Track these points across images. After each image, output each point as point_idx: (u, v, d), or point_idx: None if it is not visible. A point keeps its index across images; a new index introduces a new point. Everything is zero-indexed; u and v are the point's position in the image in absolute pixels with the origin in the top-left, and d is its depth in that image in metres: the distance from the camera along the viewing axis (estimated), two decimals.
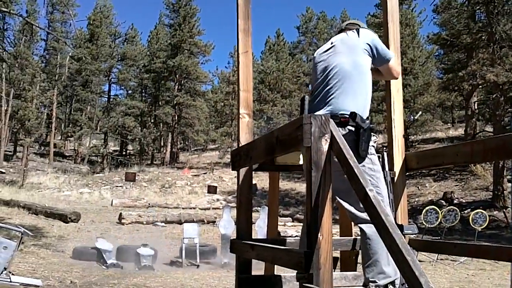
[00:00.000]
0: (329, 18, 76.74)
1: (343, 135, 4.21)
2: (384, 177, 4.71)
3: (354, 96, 4.56)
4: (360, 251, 5.18)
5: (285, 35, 76.43)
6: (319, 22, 75.58)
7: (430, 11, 40.15)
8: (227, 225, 17.00)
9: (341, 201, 4.37)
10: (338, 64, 4.64)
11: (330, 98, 4.56)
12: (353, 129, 4.38)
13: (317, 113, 4.36)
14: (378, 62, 4.83)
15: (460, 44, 36.92)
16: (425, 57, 49.64)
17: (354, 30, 4.82)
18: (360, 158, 4.33)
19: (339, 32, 5.08)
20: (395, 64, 5.02)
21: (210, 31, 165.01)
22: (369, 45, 4.70)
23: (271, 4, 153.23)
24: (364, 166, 4.37)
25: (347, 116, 4.40)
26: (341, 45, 4.76)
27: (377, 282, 4.18)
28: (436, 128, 50.97)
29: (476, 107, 42.70)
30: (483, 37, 33.98)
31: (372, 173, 4.46)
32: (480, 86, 36.36)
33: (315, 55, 5.01)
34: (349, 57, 4.65)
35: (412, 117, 46.44)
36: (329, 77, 4.64)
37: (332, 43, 4.87)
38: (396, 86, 5.60)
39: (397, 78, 5.23)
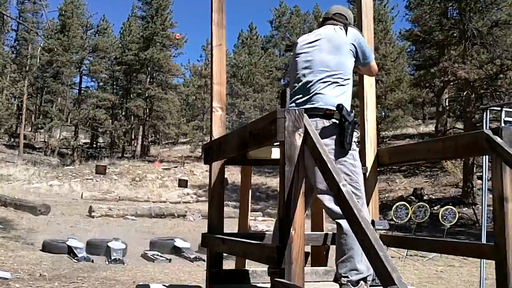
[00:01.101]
0: (303, 12, 76.57)
1: (326, 127, 4.27)
2: None
3: (337, 92, 4.56)
4: (330, 246, 5.20)
5: (258, 29, 76.13)
6: (292, 17, 75.51)
7: (403, 7, 40.57)
8: None
9: (321, 196, 4.36)
10: (322, 61, 4.63)
11: (313, 92, 4.56)
12: (337, 122, 4.39)
13: (301, 107, 4.35)
14: (360, 63, 4.85)
15: (432, 41, 37.19)
16: (397, 53, 49.74)
17: (342, 27, 4.78)
18: (344, 151, 4.37)
19: (325, 19, 5.08)
20: (374, 64, 5.04)
21: (183, 24, 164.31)
22: (354, 46, 4.71)
23: None
24: (345, 161, 4.40)
25: (333, 109, 4.41)
26: (327, 42, 4.72)
27: (349, 278, 4.17)
28: (407, 124, 51.14)
29: (447, 104, 43.01)
30: (455, 34, 34.24)
31: (353, 169, 4.45)
32: (451, 83, 36.62)
33: (298, 42, 4.99)
34: (335, 56, 4.63)
35: (383, 113, 46.66)
36: (312, 72, 4.64)
37: (318, 35, 4.84)
38: (369, 82, 5.62)
39: (374, 76, 5.28)
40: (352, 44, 4.70)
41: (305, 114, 3.46)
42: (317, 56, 4.68)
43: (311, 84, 4.60)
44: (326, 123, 4.38)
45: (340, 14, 5.05)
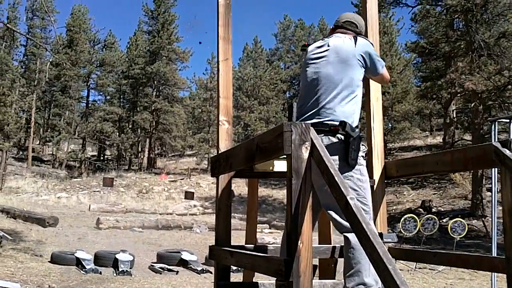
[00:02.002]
0: (307, 25, 76.77)
1: (333, 144, 4.25)
2: None
3: (343, 105, 4.55)
4: (338, 259, 5.18)
5: (262, 42, 76.51)
6: (297, 30, 75.62)
7: (408, 20, 40.61)
8: None
9: (330, 212, 4.34)
10: (329, 74, 4.63)
11: (320, 106, 4.55)
12: (342, 137, 4.39)
13: (308, 121, 4.33)
14: (370, 73, 4.84)
15: (438, 53, 37.10)
16: (403, 65, 49.74)
17: (352, 38, 4.75)
18: (349, 166, 4.36)
19: (336, 27, 5.06)
20: (386, 73, 5.00)
21: (188, 37, 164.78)
22: (363, 56, 4.68)
23: (249, 11, 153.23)
24: (352, 176, 4.39)
25: (337, 125, 4.40)
26: (334, 54, 4.69)
27: None
28: (414, 136, 51.08)
29: (454, 115, 42.98)
30: (461, 46, 34.15)
31: (360, 184, 4.44)
32: (459, 95, 36.52)
33: (308, 50, 4.97)
34: (341, 69, 4.62)
35: (390, 125, 46.66)
36: (319, 85, 4.63)
37: (327, 46, 4.81)
38: (376, 95, 5.62)
39: (386, 84, 5.27)
40: (361, 55, 4.67)
41: (311, 128, 3.45)
42: (324, 69, 4.66)
43: (316, 98, 4.60)
44: (333, 139, 4.39)
45: (351, 22, 5.03)
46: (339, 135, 4.39)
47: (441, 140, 48.31)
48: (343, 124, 4.35)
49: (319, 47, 4.88)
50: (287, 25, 76.98)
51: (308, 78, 4.77)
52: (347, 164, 4.34)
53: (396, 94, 43.98)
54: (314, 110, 4.56)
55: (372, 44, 4.93)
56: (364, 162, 4.64)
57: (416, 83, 51.43)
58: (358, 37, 4.78)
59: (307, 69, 4.82)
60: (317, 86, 4.64)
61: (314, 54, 4.84)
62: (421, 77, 48.47)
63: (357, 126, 4.55)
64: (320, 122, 4.44)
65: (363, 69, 4.73)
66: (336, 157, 4.31)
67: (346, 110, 4.53)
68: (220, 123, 5.27)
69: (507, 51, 31.21)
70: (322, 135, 4.37)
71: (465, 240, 22.64)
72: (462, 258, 4.94)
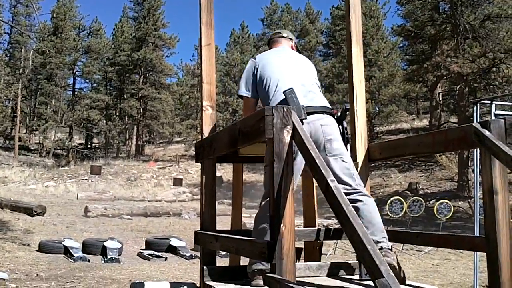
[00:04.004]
0: (294, 10, 76.51)
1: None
2: None
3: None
4: (324, 242, 5.24)
5: (249, 28, 76.36)
6: (284, 14, 75.32)
7: (394, 3, 40.59)
8: None
9: None
10: (303, 68, 4.83)
11: (311, 95, 4.65)
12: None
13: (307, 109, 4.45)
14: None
15: (424, 36, 37.17)
16: (390, 49, 49.81)
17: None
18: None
19: (269, 44, 5.35)
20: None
21: (175, 24, 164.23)
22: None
23: None
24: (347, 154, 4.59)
25: (331, 109, 4.63)
26: (295, 55, 4.97)
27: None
28: (401, 119, 51.21)
29: (440, 98, 43.04)
30: (447, 29, 34.25)
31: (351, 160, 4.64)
32: (445, 77, 36.68)
33: (262, 56, 5.09)
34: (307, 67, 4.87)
35: (377, 109, 46.77)
36: (303, 77, 4.75)
37: (284, 52, 5.05)
38: (359, 78, 5.63)
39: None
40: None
41: (293, 111, 3.48)
42: (299, 66, 4.89)
43: (304, 88, 4.68)
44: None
45: (277, 32, 5.35)
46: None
47: (427, 123, 48.50)
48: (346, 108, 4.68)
49: (277, 53, 5.11)
50: (274, 9, 76.63)
51: (286, 71, 4.86)
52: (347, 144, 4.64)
53: (383, 77, 44.10)
54: (306, 98, 4.65)
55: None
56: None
57: (403, 66, 51.57)
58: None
59: (281, 67, 4.91)
60: (300, 77, 4.82)
61: (276, 57, 5.01)
62: (407, 60, 48.52)
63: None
64: (321, 108, 4.62)
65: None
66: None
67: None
68: (203, 108, 5.28)
69: (492, 34, 31.32)
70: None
71: (451, 221, 22.83)
72: (444, 238, 4.99)
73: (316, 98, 4.63)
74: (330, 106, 4.65)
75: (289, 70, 4.76)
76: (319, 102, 4.59)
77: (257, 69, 4.85)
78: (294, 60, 4.96)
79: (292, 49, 5.25)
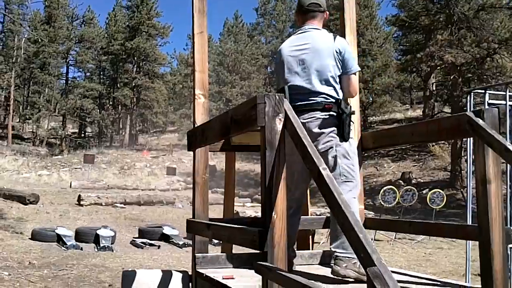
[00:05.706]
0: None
1: (323, 119, 4.31)
2: None
3: (331, 88, 4.63)
4: (316, 230, 5.25)
5: (243, 17, 76.44)
6: (278, 4, 75.43)
7: None
8: None
9: None
10: (315, 62, 4.67)
11: (311, 89, 4.62)
12: (335, 114, 4.52)
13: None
14: (343, 69, 4.75)
15: (418, 26, 37.20)
16: (384, 39, 49.88)
17: (332, 35, 4.78)
18: (345, 140, 4.53)
19: (303, 13, 4.99)
20: (356, 81, 4.90)
21: (168, 13, 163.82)
22: (340, 50, 4.67)
23: None
24: (342, 144, 4.54)
25: (330, 103, 4.55)
26: (315, 46, 4.72)
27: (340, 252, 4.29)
28: (394, 109, 51.35)
29: (434, 88, 43.15)
30: (441, 19, 34.22)
31: (349, 150, 4.59)
32: (438, 68, 36.67)
33: (283, 48, 4.96)
34: (323, 59, 4.65)
35: (371, 99, 46.81)
36: (306, 71, 4.68)
37: (305, 41, 4.81)
38: None
39: (352, 97, 5.02)
40: (338, 48, 4.68)
41: (285, 100, 3.46)
42: (311, 58, 4.70)
43: (306, 83, 4.67)
44: (324, 115, 4.54)
45: (315, 3, 4.94)
46: (331, 112, 4.55)
47: (421, 113, 48.52)
48: (338, 101, 4.57)
49: (295, 41, 4.90)
50: None
51: (294, 66, 4.78)
52: (343, 139, 4.52)
53: (377, 67, 44.11)
54: (306, 93, 4.65)
55: None
56: (353, 136, 4.74)
57: (396, 56, 51.65)
58: (337, 37, 4.80)
59: (290, 60, 4.81)
60: (304, 71, 4.72)
61: (293, 50, 4.85)
62: (401, 50, 48.60)
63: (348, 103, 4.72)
64: (315, 102, 4.57)
65: (339, 63, 4.71)
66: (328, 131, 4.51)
67: (334, 92, 4.66)
68: (196, 97, 5.25)
69: (486, 24, 31.35)
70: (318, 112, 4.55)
71: (444, 211, 22.87)
72: (437, 226, 5.00)
73: None
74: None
75: None
76: None
77: None
78: None
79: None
